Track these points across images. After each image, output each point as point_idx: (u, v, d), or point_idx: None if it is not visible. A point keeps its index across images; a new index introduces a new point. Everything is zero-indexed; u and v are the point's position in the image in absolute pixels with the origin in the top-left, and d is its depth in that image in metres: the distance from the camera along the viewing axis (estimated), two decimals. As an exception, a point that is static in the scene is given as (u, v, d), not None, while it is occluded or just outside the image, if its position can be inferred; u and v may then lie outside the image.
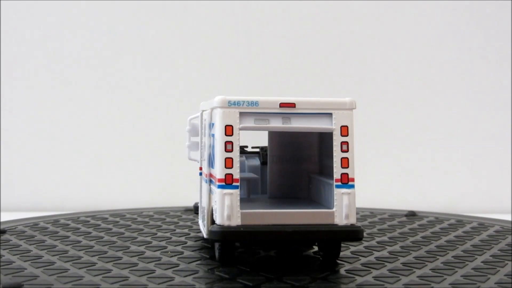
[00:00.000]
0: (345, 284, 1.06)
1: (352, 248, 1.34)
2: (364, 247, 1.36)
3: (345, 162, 1.16)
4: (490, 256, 1.27)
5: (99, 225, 1.61)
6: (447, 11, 2.28)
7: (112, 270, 1.14)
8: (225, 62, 2.27)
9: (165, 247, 1.33)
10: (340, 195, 1.15)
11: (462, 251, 1.32)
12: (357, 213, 1.67)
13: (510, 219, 1.77)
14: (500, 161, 2.26)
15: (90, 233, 1.49)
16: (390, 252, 1.31)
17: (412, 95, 2.28)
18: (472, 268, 1.17)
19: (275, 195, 1.38)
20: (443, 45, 2.28)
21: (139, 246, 1.35)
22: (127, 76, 2.27)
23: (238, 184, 1.13)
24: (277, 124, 1.16)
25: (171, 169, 2.24)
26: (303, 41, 2.28)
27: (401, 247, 1.36)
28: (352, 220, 1.15)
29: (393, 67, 2.28)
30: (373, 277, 1.11)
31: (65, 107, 2.26)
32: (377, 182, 2.27)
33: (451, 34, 2.28)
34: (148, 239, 1.42)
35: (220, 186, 1.13)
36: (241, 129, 1.15)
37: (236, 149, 1.14)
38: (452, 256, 1.27)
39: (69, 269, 1.14)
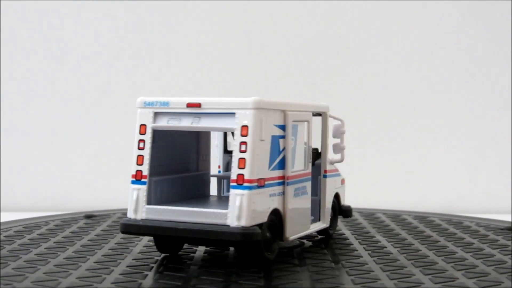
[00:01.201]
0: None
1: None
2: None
3: (242, 163, 1.13)
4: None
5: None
6: (447, 11, 2.27)
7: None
8: (226, 62, 2.27)
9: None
10: (234, 196, 1.12)
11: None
12: (461, 223, 1.65)
13: (510, 219, 1.77)
14: (500, 161, 2.26)
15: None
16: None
17: (412, 95, 2.28)
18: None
19: None
20: (443, 46, 2.28)
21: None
22: (127, 76, 2.27)
23: (146, 180, 1.19)
24: (187, 123, 1.18)
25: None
26: (303, 41, 2.28)
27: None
28: (244, 222, 1.11)
29: (393, 67, 2.28)
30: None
31: (65, 107, 2.26)
32: (377, 182, 2.27)
33: (452, 34, 2.28)
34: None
35: (132, 182, 1.20)
36: (153, 128, 1.20)
37: (148, 147, 1.20)
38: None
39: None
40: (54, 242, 1.40)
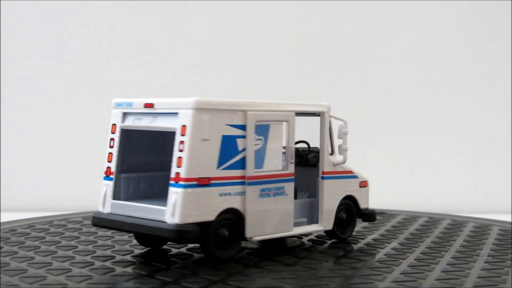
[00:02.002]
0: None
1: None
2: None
3: (179, 162, 1.16)
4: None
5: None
6: (447, 11, 2.27)
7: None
8: (226, 63, 2.27)
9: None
10: (171, 194, 1.15)
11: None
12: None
13: (510, 219, 1.77)
14: (500, 161, 2.25)
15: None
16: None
17: (412, 95, 2.28)
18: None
19: None
20: (443, 46, 2.28)
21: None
22: (127, 76, 2.27)
23: (113, 176, 1.26)
24: (146, 123, 1.23)
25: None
26: (303, 41, 2.28)
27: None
28: (177, 220, 1.14)
29: (393, 67, 2.28)
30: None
31: (65, 107, 2.26)
32: (377, 182, 2.26)
33: (452, 34, 2.28)
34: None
35: (103, 178, 1.28)
36: (121, 127, 1.27)
37: (116, 145, 1.27)
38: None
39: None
40: (76, 235, 1.47)
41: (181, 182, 1.15)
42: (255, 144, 1.24)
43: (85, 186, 2.25)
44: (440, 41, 2.28)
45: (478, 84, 2.27)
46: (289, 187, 1.29)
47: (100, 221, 1.25)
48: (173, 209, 1.15)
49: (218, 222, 1.19)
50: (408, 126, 2.28)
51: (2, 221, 1.64)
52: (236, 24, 2.28)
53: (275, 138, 1.27)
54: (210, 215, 1.18)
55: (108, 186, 1.27)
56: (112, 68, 2.27)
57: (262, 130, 1.25)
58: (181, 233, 1.14)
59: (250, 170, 1.23)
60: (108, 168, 1.28)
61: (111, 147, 1.28)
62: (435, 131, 2.28)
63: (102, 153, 2.24)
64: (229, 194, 1.20)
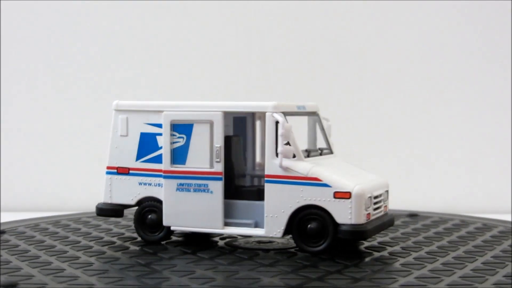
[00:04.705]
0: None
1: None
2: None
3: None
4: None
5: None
6: (447, 11, 2.27)
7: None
8: (226, 63, 2.27)
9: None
10: None
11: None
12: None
13: (510, 219, 1.77)
14: (500, 161, 2.25)
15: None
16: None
17: (412, 95, 2.28)
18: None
19: None
20: (443, 46, 2.28)
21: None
22: (128, 76, 2.27)
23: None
24: None
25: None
26: (304, 41, 2.28)
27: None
28: (102, 200, 1.41)
29: (393, 67, 2.28)
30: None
31: (66, 107, 2.26)
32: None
33: (452, 34, 2.28)
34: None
35: None
36: None
37: None
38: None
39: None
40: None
41: (106, 170, 1.39)
42: (174, 142, 1.34)
43: (86, 186, 2.25)
44: (440, 40, 2.28)
45: (478, 84, 2.27)
46: (215, 186, 1.32)
47: None
48: (101, 192, 1.39)
49: (143, 207, 1.38)
50: (408, 126, 2.28)
51: (2, 221, 1.64)
52: (236, 25, 2.28)
53: (200, 137, 1.33)
54: (129, 200, 1.39)
55: None
56: (113, 68, 2.27)
57: (184, 129, 1.34)
58: (101, 210, 1.40)
59: (166, 164, 1.34)
60: None
61: None
62: (435, 131, 2.27)
63: (103, 152, 2.24)
64: (149, 184, 1.37)
